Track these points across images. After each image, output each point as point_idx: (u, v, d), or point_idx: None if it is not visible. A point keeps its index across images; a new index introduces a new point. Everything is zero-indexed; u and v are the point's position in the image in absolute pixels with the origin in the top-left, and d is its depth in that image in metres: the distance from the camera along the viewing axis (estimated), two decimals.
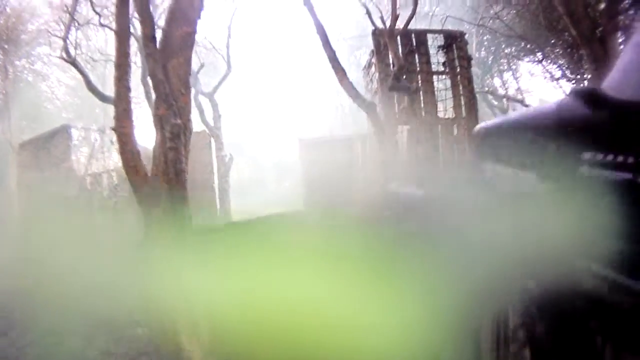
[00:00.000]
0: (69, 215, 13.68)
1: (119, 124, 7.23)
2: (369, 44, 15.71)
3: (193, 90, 15.75)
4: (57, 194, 14.29)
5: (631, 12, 14.60)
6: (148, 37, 6.98)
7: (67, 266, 8.34)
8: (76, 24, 15.78)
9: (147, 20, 7.15)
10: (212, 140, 14.95)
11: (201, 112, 15.72)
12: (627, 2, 13.70)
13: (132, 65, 9.05)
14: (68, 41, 15.37)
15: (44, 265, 9.41)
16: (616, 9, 11.72)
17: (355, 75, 30.54)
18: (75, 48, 15.96)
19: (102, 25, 15.11)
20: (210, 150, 14.60)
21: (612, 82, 1.01)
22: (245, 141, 32.52)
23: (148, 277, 5.70)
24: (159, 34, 7.65)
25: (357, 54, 28.99)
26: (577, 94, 1.18)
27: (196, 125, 17.35)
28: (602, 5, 12.71)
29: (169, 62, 6.86)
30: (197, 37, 16.36)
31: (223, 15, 16.48)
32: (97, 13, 14.78)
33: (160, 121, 6.68)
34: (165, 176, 6.55)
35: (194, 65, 16.16)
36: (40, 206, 14.22)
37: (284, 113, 36.07)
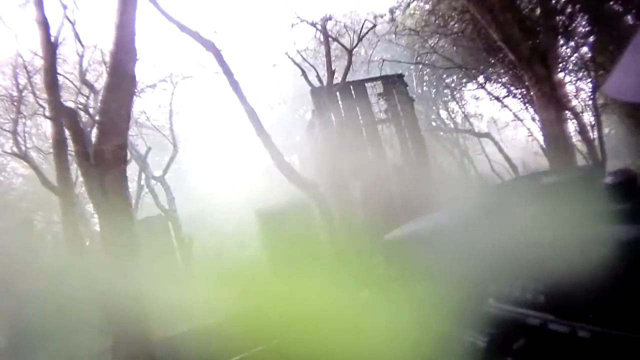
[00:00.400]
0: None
1: (67, 237, 7.24)
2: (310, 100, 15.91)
3: (143, 176, 15.75)
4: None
5: (569, 19, 14.99)
6: (80, 154, 6.98)
7: None
8: (23, 116, 15.68)
9: (78, 136, 7.13)
10: (170, 223, 14.92)
11: (155, 197, 15.70)
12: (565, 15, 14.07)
13: None
14: (17, 134, 15.25)
15: None
16: (553, 20, 11.80)
17: (300, 134, 30.97)
18: (25, 140, 15.87)
19: (46, 117, 15.00)
20: (170, 233, 14.55)
21: (613, 85, 1.02)
22: (204, 213, 32.74)
23: None
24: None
25: (300, 111, 29.28)
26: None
27: (152, 209, 17.43)
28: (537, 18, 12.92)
29: (105, 178, 6.77)
30: (141, 118, 16.70)
31: (164, 95, 16.40)
32: (41, 106, 14.66)
33: (106, 240, 6.64)
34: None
35: (141, 148, 16.23)
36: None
37: (238, 180, 36.53)
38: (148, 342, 6.55)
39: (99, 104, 15.06)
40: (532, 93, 14.51)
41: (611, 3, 13.78)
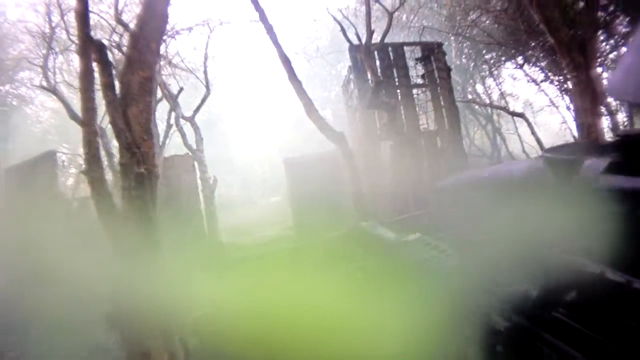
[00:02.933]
0: (57, 238, 13.74)
1: (89, 169, 7.20)
2: (348, 55, 15.78)
3: (173, 115, 15.74)
4: (45, 218, 14.30)
5: (611, 16, 14.72)
6: (107, 86, 6.77)
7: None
8: (54, 52, 15.74)
9: (105, 68, 6.96)
10: (196, 163, 14.95)
11: (183, 136, 15.67)
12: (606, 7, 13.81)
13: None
14: (48, 69, 15.33)
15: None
16: (594, 15, 11.66)
17: (336, 89, 30.92)
18: (55, 75, 15.91)
19: (77, 53, 15.04)
20: (195, 173, 14.60)
21: (615, 84, 0.99)
22: (233, 157, 32.77)
23: None
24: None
25: (338, 67, 29.09)
26: (548, 160, 1.14)
27: (179, 149, 17.48)
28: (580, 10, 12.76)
29: (129, 109, 6.67)
30: (175, 60, 16.64)
31: (200, 38, 16.33)
32: (73, 42, 14.62)
33: (124, 169, 6.60)
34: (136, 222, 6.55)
35: (174, 88, 16.19)
36: (28, 230, 14.28)
37: (268, 129, 36.51)
38: (169, 332, 6.47)
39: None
40: (569, 79, 14.37)
41: None
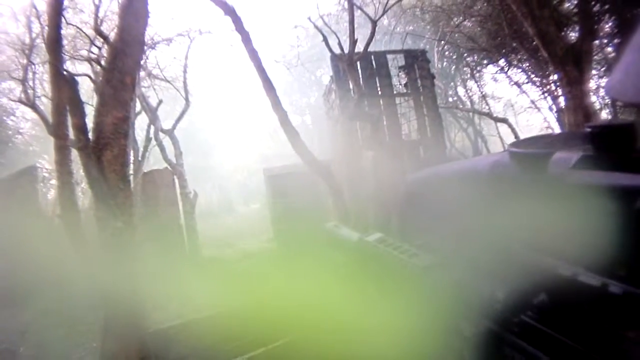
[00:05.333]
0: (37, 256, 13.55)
1: (64, 213, 6.96)
2: (329, 63, 15.59)
3: (152, 128, 15.50)
4: (25, 235, 14.07)
5: (608, 29, 14.68)
6: (78, 128, 6.33)
7: None
8: (33, 64, 15.47)
9: (77, 108, 6.43)
10: (175, 177, 14.75)
11: (162, 150, 15.44)
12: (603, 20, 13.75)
13: None
14: (27, 82, 15.02)
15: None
16: (591, 27, 11.51)
17: (316, 95, 30.92)
18: (34, 88, 15.61)
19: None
20: (174, 187, 14.41)
21: (613, 84, 0.90)
22: (212, 165, 32.77)
23: None
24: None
25: (317, 72, 28.97)
26: (514, 154, 1.07)
27: (158, 162, 17.24)
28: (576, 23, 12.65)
29: (103, 155, 6.19)
30: (155, 71, 16.39)
31: (179, 47, 16.00)
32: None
33: (100, 223, 6.05)
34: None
35: (153, 101, 15.96)
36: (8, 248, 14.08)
37: (247, 136, 36.65)
38: (140, 334, 6.26)
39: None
40: (562, 94, 14.25)
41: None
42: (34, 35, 14.96)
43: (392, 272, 1.25)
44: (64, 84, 7.02)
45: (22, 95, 15.20)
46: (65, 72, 7.74)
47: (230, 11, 9.85)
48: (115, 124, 6.23)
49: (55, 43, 7.59)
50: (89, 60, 15.07)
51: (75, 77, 8.19)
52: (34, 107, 14.96)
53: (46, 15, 14.53)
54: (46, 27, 15.18)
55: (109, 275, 6.10)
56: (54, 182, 21.44)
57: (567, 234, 0.82)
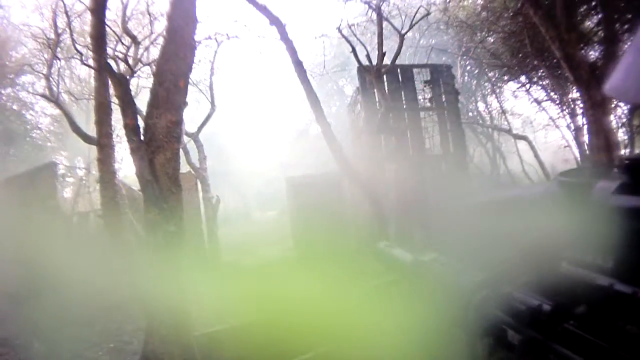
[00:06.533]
0: (56, 253, 13.59)
1: (106, 212, 6.99)
2: (352, 73, 15.60)
3: None
4: (44, 232, 14.12)
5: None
6: (131, 129, 6.21)
7: None
8: (58, 60, 15.47)
9: (128, 108, 6.42)
10: (198, 181, 14.81)
11: (186, 153, 15.41)
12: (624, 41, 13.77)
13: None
14: (51, 79, 15.02)
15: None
16: (615, 49, 11.54)
17: (338, 104, 30.99)
18: (58, 84, 15.59)
19: (83, 63, 14.57)
20: (197, 192, 14.47)
21: (615, 84, 0.98)
22: (231, 170, 32.78)
23: None
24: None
25: (340, 82, 28.99)
26: (561, 182, 1.23)
27: (181, 166, 17.25)
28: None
29: (156, 158, 6.04)
30: None
31: (206, 53, 16.02)
32: (78, 52, 14.19)
33: (152, 226, 6.02)
34: None
35: None
36: (27, 244, 14.11)
37: (268, 142, 36.80)
38: (185, 337, 6.28)
39: (139, 56, 15.02)
40: (582, 114, 14.26)
41: None
42: (59, 30, 14.88)
43: (446, 290, 1.39)
44: (115, 82, 7.02)
45: (46, 90, 15.15)
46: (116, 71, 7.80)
47: (276, 21, 9.93)
48: (168, 127, 6.11)
49: (99, 39, 7.62)
50: (114, 58, 15.08)
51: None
52: (57, 102, 14.85)
53: (82, 5, 14.55)
54: (75, 19, 15.36)
55: (156, 277, 6.13)
56: (71, 179, 21.60)
57: (608, 249, 0.94)
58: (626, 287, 0.86)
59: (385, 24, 14.02)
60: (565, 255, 1.06)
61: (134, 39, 14.96)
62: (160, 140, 6.08)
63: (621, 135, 16.72)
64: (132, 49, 14.97)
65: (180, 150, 15.21)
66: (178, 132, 6.39)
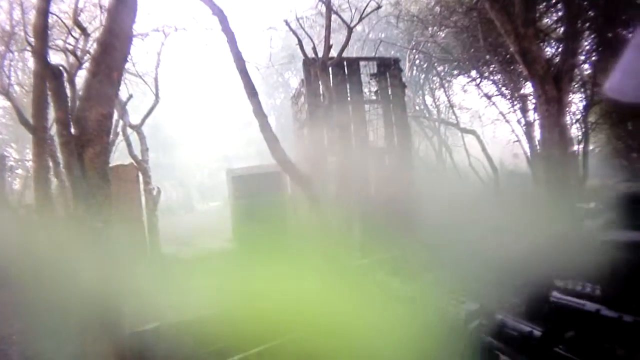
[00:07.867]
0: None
1: (40, 209, 6.76)
2: (298, 65, 15.55)
3: (121, 123, 15.34)
4: None
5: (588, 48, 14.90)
6: (62, 123, 6.15)
7: None
8: (11, 52, 15.06)
9: (60, 101, 6.40)
10: (140, 173, 14.63)
11: (129, 145, 15.26)
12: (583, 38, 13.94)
13: None
14: (3, 70, 14.64)
15: None
16: (575, 47, 11.66)
17: (282, 97, 31.03)
18: (9, 75, 15.19)
19: (33, 56, 14.23)
20: (138, 184, 14.30)
21: (614, 84, 0.98)
22: (174, 162, 32.85)
23: None
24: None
25: (285, 74, 29.03)
26: None
27: (124, 157, 17.05)
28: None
29: (85, 152, 6.02)
30: (126, 65, 16.16)
31: (153, 45, 15.85)
32: (29, 44, 13.83)
33: (79, 222, 6.03)
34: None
35: (123, 95, 15.77)
36: None
37: (211, 134, 36.88)
38: (118, 336, 6.23)
39: (88, 48, 14.71)
40: (535, 110, 14.42)
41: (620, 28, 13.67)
42: (14, 22, 14.56)
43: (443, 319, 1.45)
44: (49, 74, 6.87)
45: None
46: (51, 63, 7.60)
47: (218, 11, 9.78)
48: (99, 120, 6.11)
49: (41, 31, 7.42)
50: (64, 50, 14.75)
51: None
52: (7, 95, 14.54)
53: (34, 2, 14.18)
54: (30, 12, 14.96)
55: (85, 275, 6.03)
56: (20, 171, 21.12)
57: None
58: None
59: (334, 17, 13.98)
60: None
61: (83, 30, 14.66)
62: (90, 134, 6.09)
63: (574, 131, 17.01)
64: (81, 41, 14.65)
65: (123, 142, 15.07)
66: (108, 125, 6.48)
